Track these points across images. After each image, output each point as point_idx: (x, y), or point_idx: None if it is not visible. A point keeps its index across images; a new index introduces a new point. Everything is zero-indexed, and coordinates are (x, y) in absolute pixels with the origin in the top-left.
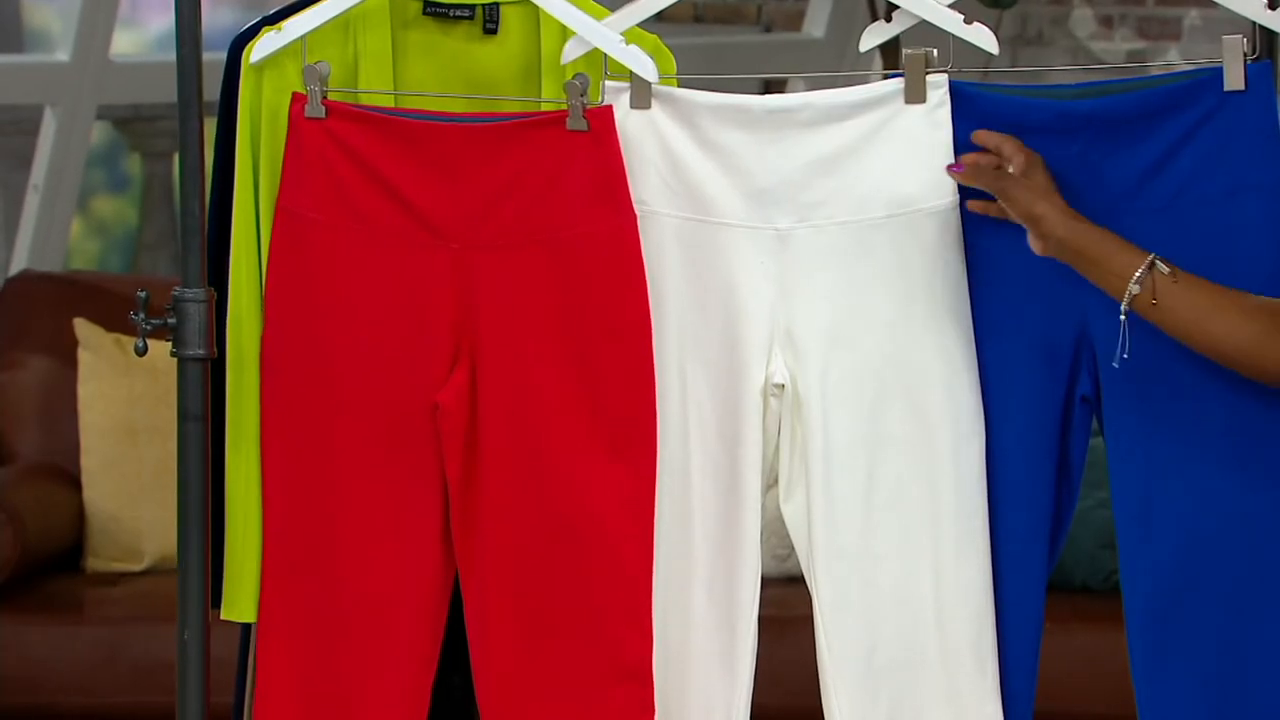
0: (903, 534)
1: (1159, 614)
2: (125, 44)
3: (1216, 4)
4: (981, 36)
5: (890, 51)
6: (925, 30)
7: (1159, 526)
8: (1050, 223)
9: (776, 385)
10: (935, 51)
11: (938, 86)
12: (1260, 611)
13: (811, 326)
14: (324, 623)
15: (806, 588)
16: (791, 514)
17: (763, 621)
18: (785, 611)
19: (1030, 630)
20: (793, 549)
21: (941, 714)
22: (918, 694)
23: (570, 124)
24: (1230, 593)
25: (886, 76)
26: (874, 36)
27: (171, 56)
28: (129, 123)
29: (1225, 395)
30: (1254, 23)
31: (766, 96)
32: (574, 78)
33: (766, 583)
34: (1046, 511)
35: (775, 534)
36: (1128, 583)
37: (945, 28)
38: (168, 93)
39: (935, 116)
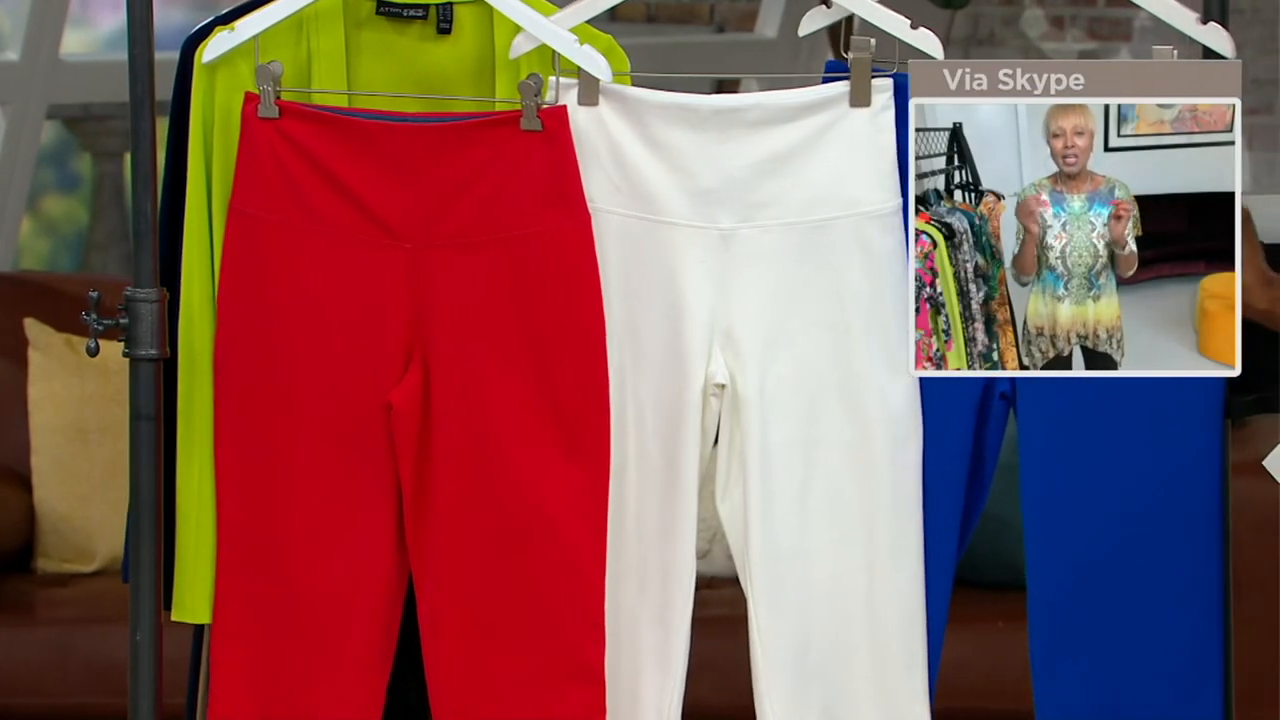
0: (837, 534)
1: (1062, 610)
2: (76, 43)
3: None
4: (927, 42)
5: (841, 41)
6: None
7: (1067, 523)
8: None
9: (717, 385)
10: (874, 41)
11: (883, 90)
12: (1161, 610)
13: (751, 326)
14: (278, 623)
15: None
16: (728, 513)
17: (715, 621)
18: (738, 611)
19: (936, 626)
20: None
21: (872, 714)
22: (849, 693)
23: (524, 124)
24: (1133, 591)
25: (835, 67)
26: (812, 22)
27: (122, 56)
28: (79, 122)
29: (1141, 395)
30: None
31: (714, 96)
32: (528, 77)
33: (720, 582)
34: (956, 508)
35: None
36: (1033, 579)
37: (891, 32)
38: (119, 92)
39: (880, 120)
